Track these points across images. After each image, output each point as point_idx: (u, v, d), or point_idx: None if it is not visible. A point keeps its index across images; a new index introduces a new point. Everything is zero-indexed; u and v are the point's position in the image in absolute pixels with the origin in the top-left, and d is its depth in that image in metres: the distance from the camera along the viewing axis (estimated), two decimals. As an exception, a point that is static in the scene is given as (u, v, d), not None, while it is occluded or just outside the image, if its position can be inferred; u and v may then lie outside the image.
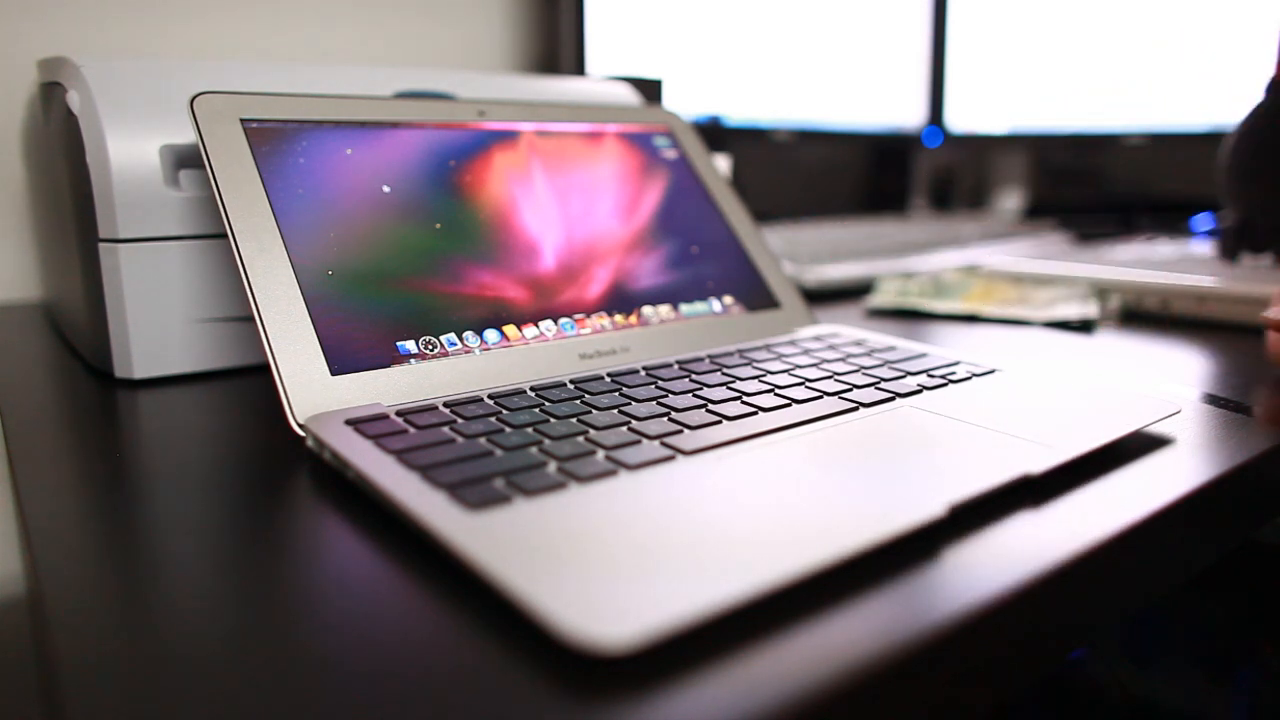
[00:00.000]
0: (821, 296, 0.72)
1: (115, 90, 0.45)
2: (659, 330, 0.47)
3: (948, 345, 0.55)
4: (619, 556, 0.24)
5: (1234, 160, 0.71)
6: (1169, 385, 0.46)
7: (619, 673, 0.21)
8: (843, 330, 0.51)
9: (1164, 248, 0.85)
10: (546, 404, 0.37)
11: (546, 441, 0.33)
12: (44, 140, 0.51)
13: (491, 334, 0.42)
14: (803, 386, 0.40)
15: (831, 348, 0.47)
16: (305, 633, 0.23)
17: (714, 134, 0.96)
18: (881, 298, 0.68)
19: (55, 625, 0.23)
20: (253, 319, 0.40)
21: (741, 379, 0.41)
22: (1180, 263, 0.72)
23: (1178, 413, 0.38)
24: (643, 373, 0.42)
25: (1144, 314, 0.65)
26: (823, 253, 0.76)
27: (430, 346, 0.40)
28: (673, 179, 0.54)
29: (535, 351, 0.42)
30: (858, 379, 0.42)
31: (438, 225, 0.43)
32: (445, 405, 0.36)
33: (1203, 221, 1.07)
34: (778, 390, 0.40)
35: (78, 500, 0.31)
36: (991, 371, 0.43)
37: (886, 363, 0.45)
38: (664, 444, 0.33)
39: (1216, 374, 0.49)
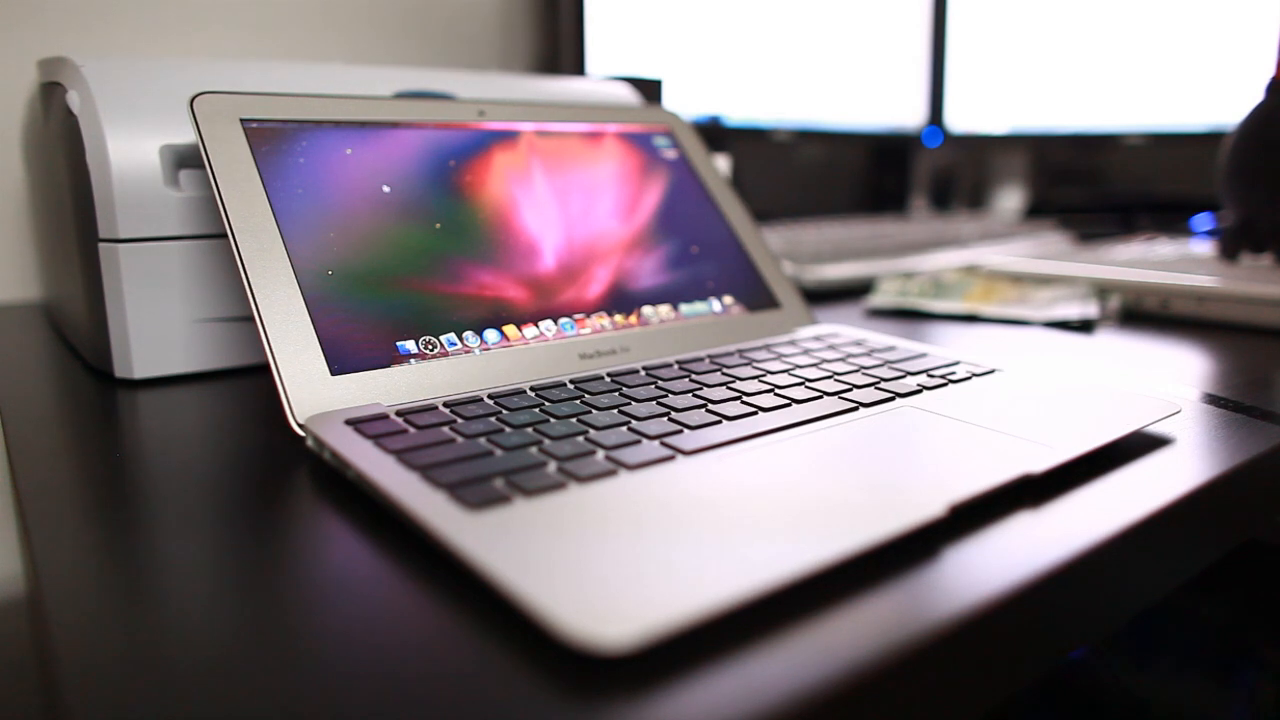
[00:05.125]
0: (821, 296, 0.72)
1: (115, 90, 0.45)
2: (659, 330, 0.47)
3: (948, 345, 0.55)
4: (619, 556, 0.24)
5: (1234, 160, 0.71)
6: (1169, 385, 0.46)
7: (619, 673, 0.21)
8: (843, 330, 0.51)
9: (1164, 248, 0.85)
10: (546, 404, 0.37)
11: (546, 441, 0.33)
12: (44, 140, 0.51)
13: (491, 334, 0.42)
14: (803, 386, 0.40)
15: (831, 348, 0.47)
16: (305, 633, 0.23)
17: (714, 134, 0.96)
18: (881, 298, 0.68)
19: (55, 625, 0.23)
20: (253, 319, 0.40)
21: (741, 379, 0.41)
22: (1180, 263, 0.72)
23: (1178, 413, 0.38)
24: (643, 373, 0.42)
25: (1144, 314, 0.65)
26: (823, 253, 0.76)
27: (430, 346, 0.40)
28: (673, 179, 0.54)
29: (535, 351, 0.42)
30: (858, 379, 0.42)
31: (438, 225, 0.43)
32: (445, 405, 0.36)
33: (1203, 221, 1.07)
34: (778, 390, 0.40)
35: (78, 500, 0.31)
36: (991, 371, 0.43)
37: (886, 363, 0.45)
38: (664, 444, 0.33)
39: (1216, 374, 0.49)
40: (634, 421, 0.35)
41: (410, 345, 0.39)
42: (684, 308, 0.49)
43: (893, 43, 1.16)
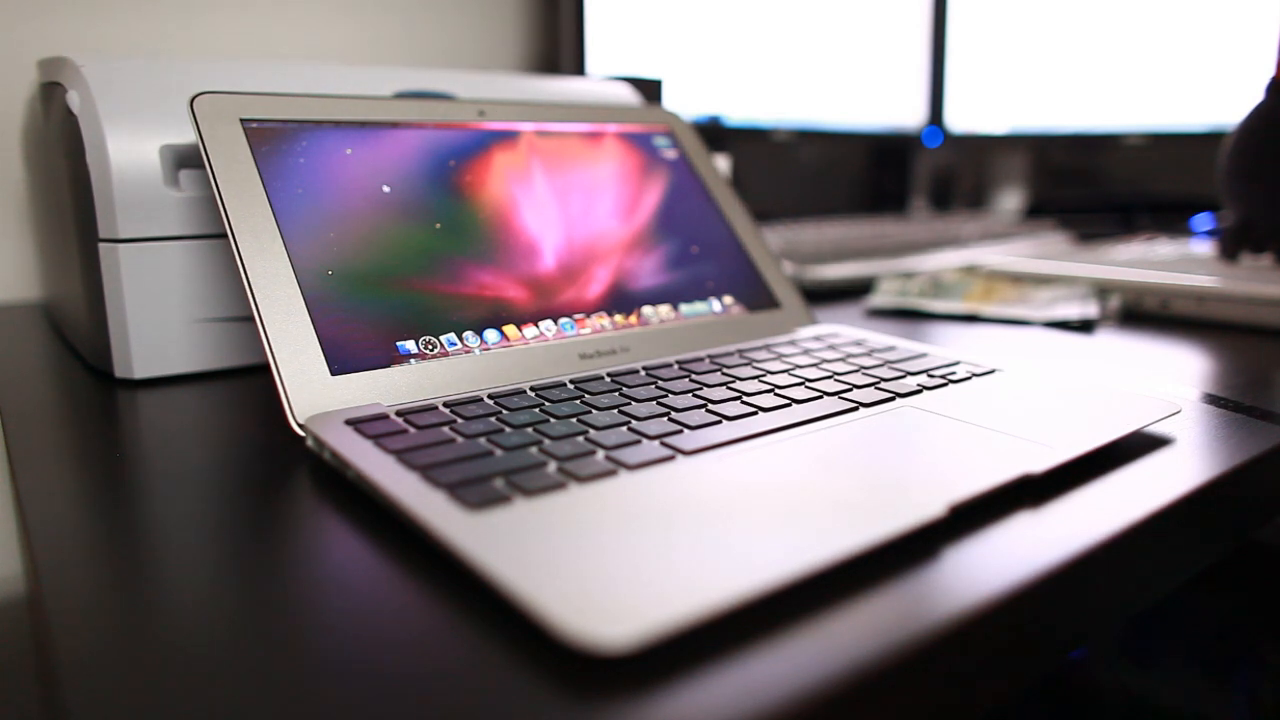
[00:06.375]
0: (821, 296, 0.72)
1: (115, 90, 0.45)
2: (659, 330, 0.47)
3: (948, 345, 0.55)
4: (619, 556, 0.24)
5: (1234, 160, 0.71)
6: (1169, 385, 0.46)
7: (619, 673, 0.21)
8: (843, 330, 0.51)
9: (1164, 248, 0.85)
10: (546, 404, 0.37)
11: (546, 441, 0.33)
12: (44, 140, 0.51)
13: (491, 334, 0.42)
14: (803, 386, 0.40)
15: (831, 348, 0.47)
16: (305, 632, 0.23)
17: (714, 134, 0.96)
18: (881, 298, 0.68)
19: (55, 625, 0.23)
20: (253, 319, 0.40)
21: (741, 379, 0.41)
22: (1180, 263, 0.72)
23: (1178, 413, 0.38)
24: (643, 373, 0.42)
25: (1144, 314, 0.65)
26: (823, 253, 0.76)
27: (430, 346, 0.40)
28: (673, 179, 0.54)
29: (535, 351, 0.42)
30: (858, 379, 0.42)
31: (438, 225, 0.43)
32: (445, 405, 0.36)
33: (1203, 221, 1.07)
34: (778, 390, 0.40)
35: (78, 500, 0.31)
36: (991, 371, 0.43)
37: (886, 363, 0.45)
38: (664, 444, 0.33)
39: (1216, 374, 0.49)
40: (634, 421, 0.35)
41: (410, 345, 0.39)
42: (684, 308, 0.49)
43: (893, 43, 1.16)
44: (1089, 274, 0.68)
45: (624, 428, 0.34)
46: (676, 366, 0.43)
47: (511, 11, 0.92)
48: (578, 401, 0.37)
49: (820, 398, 0.39)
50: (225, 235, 0.38)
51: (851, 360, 0.45)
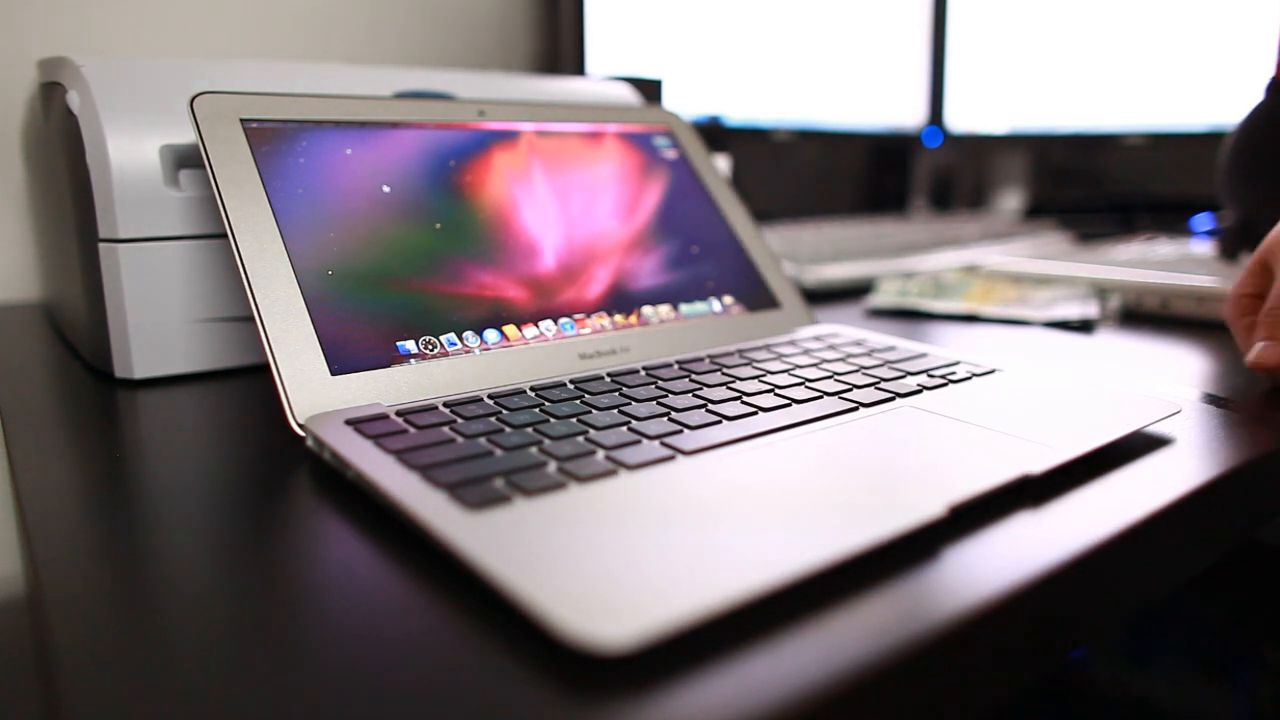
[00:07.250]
0: (821, 296, 0.72)
1: (115, 90, 0.45)
2: (659, 330, 0.47)
3: (948, 345, 0.55)
4: (619, 556, 0.24)
5: (1234, 160, 0.71)
6: (1169, 385, 0.46)
7: (619, 673, 0.21)
8: (843, 330, 0.51)
9: (1164, 248, 0.85)
10: (546, 404, 0.37)
11: (546, 441, 0.33)
12: (44, 140, 0.51)
13: (491, 334, 0.42)
14: (803, 386, 0.40)
15: (831, 348, 0.47)
16: (305, 633, 0.23)
17: (714, 134, 0.96)
18: (881, 298, 0.68)
19: (55, 624, 0.23)
20: (253, 319, 0.40)
21: (741, 379, 0.41)
22: (1180, 263, 0.72)
23: (1178, 413, 0.38)
24: (643, 373, 0.42)
25: (1144, 314, 0.65)
26: (823, 253, 0.76)
27: (430, 346, 0.40)
28: (673, 179, 0.54)
29: (535, 351, 0.42)
30: (858, 379, 0.42)
31: (438, 225, 0.43)
32: (445, 405, 0.36)
33: (1203, 221, 1.07)
34: (778, 390, 0.40)
35: (78, 500, 0.31)
36: (991, 371, 0.43)
37: (886, 363, 0.45)
38: (664, 444, 0.33)
39: (1216, 374, 0.49)
40: (634, 421, 0.35)
41: (410, 345, 0.39)
42: (684, 308, 0.49)
43: (893, 43, 1.16)
44: (1089, 274, 0.68)
45: (624, 428, 0.34)
46: (676, 366, 0.43)
47: (511, 11, 0.92)
48: (578, 401, 0.37)
49: (820, 398, 0.39)
50: (225, 235, 0.38)
51: (851, 360, 0.45)
